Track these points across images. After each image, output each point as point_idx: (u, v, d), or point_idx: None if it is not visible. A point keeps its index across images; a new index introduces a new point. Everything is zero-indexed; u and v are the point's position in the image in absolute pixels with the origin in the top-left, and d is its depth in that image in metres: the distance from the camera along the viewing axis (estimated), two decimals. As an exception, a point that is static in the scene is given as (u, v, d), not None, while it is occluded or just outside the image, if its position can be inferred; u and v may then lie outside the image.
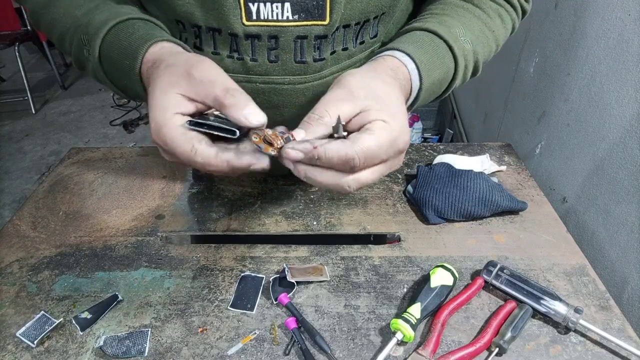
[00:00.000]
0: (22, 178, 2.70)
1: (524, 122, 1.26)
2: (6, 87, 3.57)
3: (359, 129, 0.43)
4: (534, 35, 1.18)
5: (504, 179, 0.82)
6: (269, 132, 0.42)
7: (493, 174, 0.82)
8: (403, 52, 0.53)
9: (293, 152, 0.41)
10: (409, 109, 0.55)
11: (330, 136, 0.43)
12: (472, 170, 0.77)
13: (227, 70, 0.58)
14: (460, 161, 0.81)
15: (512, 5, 0.66)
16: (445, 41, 0.56)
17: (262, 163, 0.43)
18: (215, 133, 0.41)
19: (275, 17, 0.53)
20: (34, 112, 3.35)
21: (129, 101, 3.30)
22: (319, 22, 0.54)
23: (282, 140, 0.42)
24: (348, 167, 0.41)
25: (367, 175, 0.43)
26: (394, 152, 0.44)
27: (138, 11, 0.57)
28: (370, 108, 0.44)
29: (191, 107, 0.44)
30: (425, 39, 0.56)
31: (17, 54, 3.16)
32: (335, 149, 0.41)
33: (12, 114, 3.33)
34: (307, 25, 0.54)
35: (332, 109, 0.43)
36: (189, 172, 0.85)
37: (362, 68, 0.50)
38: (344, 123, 0.43)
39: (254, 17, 0.53)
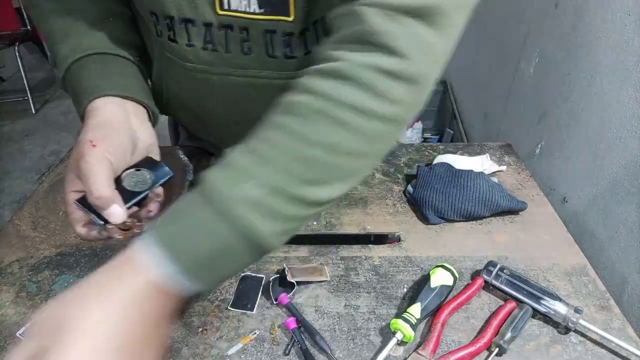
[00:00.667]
0: (22, 178, 2.70)
1: (524, 122, 1.26)
2: (6, 87, 3.57)
3: None
4: (534, 35, 1.18)
5: (504, 179, 0.82)
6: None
7: (493, 174, 0.82)
8: (154, 236, 0.39)
9: None
10: (199, 292, 0.40)
11: None
12: (472, 170, 0.77)
13: (204, 63, 0.59)
14: (460, 161, 0.81)
15: (366, 84, 0.40)
16: (216, 205, 0.39)
17: (115, 237, 0.50)
18: (92, 216, 0.48)
19: (243, 9, 0.54)
20: (34, 112, 3.34)
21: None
22: (284, 18, 0.54)
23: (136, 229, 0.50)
24: None
25: None
26: None
27: (105, 37, 0.58)
28: (47, 346, 0.34)
29: (78, 185, 0.49)
30: (189, 208, 0.40)
31: (17, 54, 3.16)
32: None
33: (12, 114, 3.33)
34: (273, 19, 0.54)
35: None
36: (191, 169, 0.85)
37: (72, 289, 0.38)
38: None
39: (226, 6, 0.54)
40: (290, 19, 0.54)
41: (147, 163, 0.53)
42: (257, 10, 0.54)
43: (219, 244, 0.39)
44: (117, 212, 0.48)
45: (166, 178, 0.53)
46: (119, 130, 0.52)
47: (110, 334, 0.35)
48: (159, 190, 0.53)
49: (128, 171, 0.51)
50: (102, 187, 0.47)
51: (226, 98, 0.63)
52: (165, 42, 0.59)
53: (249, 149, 0.42)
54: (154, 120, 0.59)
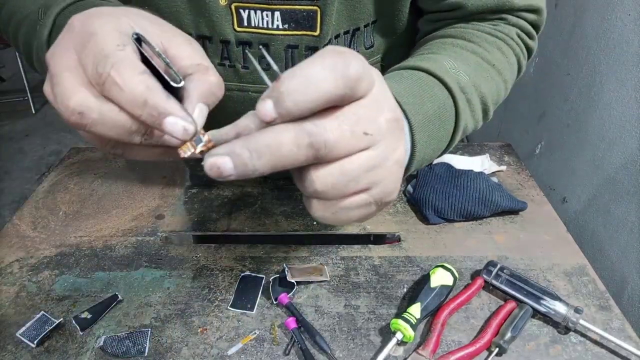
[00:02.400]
0: (22, 178, 2.70)
1: (524, 122, 1.26)
2: (6, 87, 3.57)
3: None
4: (534, 35, 1.18)
5: (504, 179, 0.82)
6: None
7: (493, 174, 0.82)
8: None
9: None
10: (409, 164, 0.42)
11: None
12: (472, 170, 0.77)
13: None
14: (460, 161, 0.81)
15: (514, 41, 0.56)
16: (431, 73, 0.46)
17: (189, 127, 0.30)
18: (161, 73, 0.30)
19: (265, 25, 0.53)
20: (34, 112, 3.34)
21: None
22: (310, 33, 0.54)
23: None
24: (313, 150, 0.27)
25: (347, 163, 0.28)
26: (347, 82, 0.26)
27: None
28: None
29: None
30: (404, 74, 0.46)
31: (17, 54, 3.16)
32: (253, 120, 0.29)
33: (12, 114, 3.33)
34: (297, 35, 0.54)
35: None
36: (189, 173, 0.85)
37: None
38: None
39: (245, 23, 0.53)
40: (316, 33, 0.54)
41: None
42: (281, 26, 0.53)
43: (439, 107, 0.45)
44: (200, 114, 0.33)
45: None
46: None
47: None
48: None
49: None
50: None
51: (239, 113, 0.61)
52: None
53: (442, 54, 0.51)
54: None
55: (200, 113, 0.32)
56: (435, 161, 0.83)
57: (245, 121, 0.30)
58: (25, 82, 3.23)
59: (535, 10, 0.57)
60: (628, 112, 0.78)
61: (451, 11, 0.55)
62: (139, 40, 0.30)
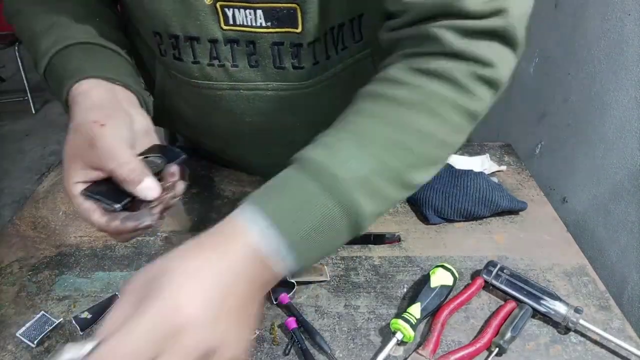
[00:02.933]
0: (22, 178, 2.70)
1: (524, 122, 1.26)
2: (6, 87, 3.57)
3: None
4: (534, 35, 1.18)
5: (504, 179, 0.82)
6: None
7: (493, 174, 0.82)
8: (255, 206, 0.39)
9: None
10: (298, 267, 0.40)
11: None
12: (472, 170, 0.77)
13: (210, 79, 0.58)
14: (460, 161, 0.81)
15: (457, 83, 0.44)
16: (319, 177, 0.40)
17: (146, 222, 0.44)
18: (104, 206, 0.44)
19: (249, 23, 0.53)
20: (34, 112, 3.34)
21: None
22: (292, 30, 0.54)
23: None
24: None
25: None
26: (164, 344, 0.31)
27: (90, 29, 0.56)
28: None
29: (93, 175, 0.45)
30: (292, 182, 0.41)
31: (17, 54, 3.16)
32: None
33: (12, 114, 3.33)
34: (280, 32, 0.54)
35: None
36: (189, 172, 0.85)
37: (171, 254, 0.37)
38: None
39: (231, 21, 0.53)
40: (298, 30, 0.54)
41: (154, 149, 0.49)
42: (264, 24, 0.53)
43: (324, 218, 0.39)
44: (152, 185, 0.43)
45: (180, 158, 0.48)
46: (118, 111, 0.48)
47: (215, 281, 0.35)
48: (174, 169, 0.47)
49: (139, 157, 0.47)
50: (132, 160, 0.43)
51: (232, 112, 0.62)
52: (170, 61, 0.58)
53: (347, 132, 0.43)
54: (147, 111, 0.55)
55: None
56: (435, 161, 0.82)
57: None
58: (25, 82, 3.23)
59: (495, 12, 0.43)
60: (628, 112, 0.78)
61: (400, 15, 0.47)
62: (85, 193, 0.45)
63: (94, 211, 0.44)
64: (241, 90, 0.59)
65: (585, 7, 0.92)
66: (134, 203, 0.44)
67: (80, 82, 0.49)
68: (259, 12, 0.52)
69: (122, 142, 0.45)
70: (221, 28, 0.54)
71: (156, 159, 0.47)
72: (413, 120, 0.44)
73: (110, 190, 0.44)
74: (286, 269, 0.39)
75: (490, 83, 0.45)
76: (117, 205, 0.43)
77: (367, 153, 0.42)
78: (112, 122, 0.45)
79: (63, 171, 0.46)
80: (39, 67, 0.54)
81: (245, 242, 0.37)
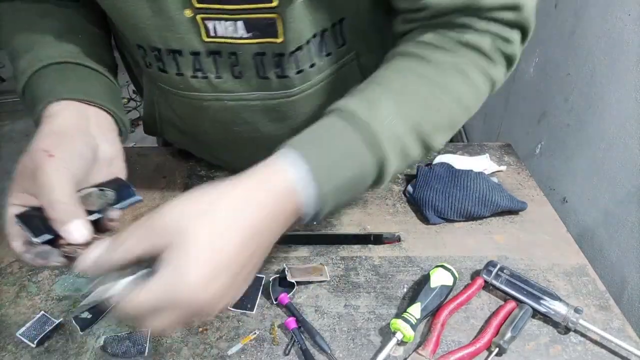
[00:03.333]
0: (22, 178, 2.70)
1: (524, 122, 1.26)
2: (6, 87, 3.56)
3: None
4: (534, 35, 1.18)
5: (504, 179, 0.82)
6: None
7: (493, 174, 0.82)
8: (297, 150, 0.42)
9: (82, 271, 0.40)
10: (316, 216, 0.43)
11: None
12: (472, 170, 0.77)
13: (194, 90, 0.58)
14: (460, 161, 0.81)
15: (483, 53, 0.50)
16: (361, 129, 0.43)
17: (54, 262, 0.43)
18: (32, 239, 0.43)
19: (230, 35, 0.53)
20: (34, 112, 3.34)
21: (128, 101, 3.29)
22: (274, 40, 0.53)
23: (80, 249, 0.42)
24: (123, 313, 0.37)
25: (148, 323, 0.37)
26: (167, 306, 0.36)
27: (68, 46, 0.55)
28: (168, 249, 0.36)
29: (31, 201, 0.44)
30: (332, 131, 0.44)
31: (17, 54, 3.16)
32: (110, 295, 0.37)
33: (12, 114, 3.33)
34: (262, 42, 0.54)
35: (129, 243, 0.37)
36: (188, 172, 0.85)
37: (206, 190, 0.39)
38: (140, 262, 0.38)
39: (212, 33, 0.53)
40: (279, 40, 0.53)
41: (113, 184, 0.47)
42: (245, 35, 0.53)
43: (359, 172, 0.44)
44: (79, 229, 0.41)
45: (131, 200, 0.46)
46: (75, 139, 0.46)
47: (242, 219, 0.37)
48: (116, 214, 0.45)
49: (90, 189, 0.45)
50: (65, 199, 0.42)
51: (219, 121, 0.62)
52: (155, 73, 0.58)
53: (387, 89, 0.47)
54: (124, 130, 0.54)
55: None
56: (435, 161, 0.83)
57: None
58: (25, 82, 3.23)
59: (512, 7, 0.48)
60: (628, 112, 0.78)
61: (418, 11, 0.50)
62: (21, 218, 0.44)
63: (15, 237, 0.44)
64: (226, 101, 0.59)
65: (585, 7, 0.92)
66: (56, 240, 0.43)
67: (52, 104, 0.48)
68: (239, 23, 0.52)
69: (64, 178, 0.43)
70: (202, 41, 0.53)
71: (110, 192, 0.46)
72: (448, 82, 0.49)
73: (40, 221, 0.43)
74: (308, 216, 0.42)
75: (509, 58, 0.52)
76: (36, 240, 0.42)
77: (405, 112, 0.46)
78: (62, 154, 0.44)
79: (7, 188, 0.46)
80: (18, 88, 0.53)
81: (284, 182, 0.40)
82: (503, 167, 0.83)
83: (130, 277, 0.38)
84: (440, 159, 0.83)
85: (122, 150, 0.51)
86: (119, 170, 0.50)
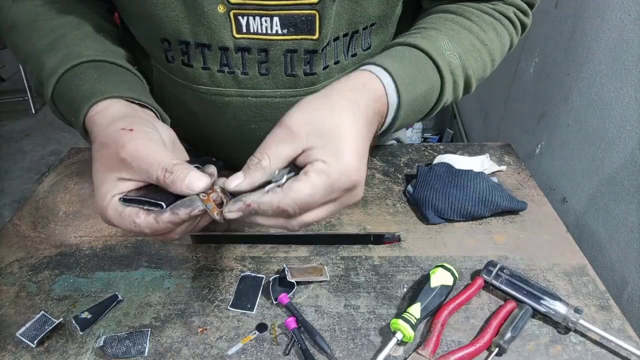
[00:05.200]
0: (22, 178, 2.70)
1: (524, 122, 1.26)
2: (6, 87, 3.57)
3: (304, 166, 0.42)
4: (534, 35, 1.18)
5: (504, 179, 0.82)
6: (214, 195, 0.42)
7: (493, 174, 0.82)
8: (379, 66, 0.48)
9: (231, 214, 0.41)
10: (388, 128, 0.51)
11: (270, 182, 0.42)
12: (472, 170, 0.77)
13: (218, 85, 0.59)
14: (460, 161, 0.81)
15: (510, 20, 0.62)
16: (427, 55, 0.52)
17: (198, 208, 0.42)
18: (145, 208, 0.41)
19: (264, 31, 0.53)
20: (34, 112, 3.34)
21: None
22: (309, 37, 0.54)
23: (225, 197, 0.43)
24: (285, 216, 0.41)
25: (312, 216, 0.42)
26: (336, 194, 0.41)
27: (97, 46, 0.55)
28: (312, 147, 0.41)
29: (130, 185, 0.43)
30: (406, 53, 0.52)
31: (17, 54, 3.16)
32: (268, 202, 0.40)
33: (12, 114, 3.33)
34: (296, 39, 0.54)
35: (271, 151, 0.41)
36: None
37: (315, 95, 0.45)
38: (285, 167, 0.42)
39: (244, 30, 0.53)
40: (315, 37, 0.54)
41: (207, 162, 0.48)
42: (280, 31, 0.53)
43: (428, 87, 0.52)
44: (199, 176, 0.41)
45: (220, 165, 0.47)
46: (141, 119, 0.46)
47: (362, 128, 0.44)
48: (212, 169, 0.46)
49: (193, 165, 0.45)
50: (170, 156, 0.41)
51: (238, 119, 0.62)
52: (177, 67, 0.58)
53: (439, 32, 0.56)
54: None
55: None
56: (435, 161, 0.83)
57: (257, 181, 0.41)
58: (25, 82, 3.23)
59: None
60: (628, 112, 0.78)
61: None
62: (124, 199, 0.43)
63: (138, 214, 0.42)
64: (249, 98, 0.59)
65: (585, 7, 0.92)
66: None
67: (97, 104, 0.48)
68: (276, 19, 0.52)
69: (155, 142, 0.43)
70: (233, 36, 0.53)
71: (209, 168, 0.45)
72: (486, 37, 0.58)
73: (149, 195, 0.42)
74: (386, 125, 0.50)
75: (524, 26, 0.65)
76: (163, 203, 0.40)
77: (457, 51, 0.55)
78: (140, 127, 0.44)
79: (95, 193, 0.44)
80: (46, 88, 0.51)
81: (379, 87, 0.47)
82: (503, 167, 0.83)
83: (272, 185, 0.41)
84: (440, 159, 0.83)
85: (176, 137, 0.51)
86: (182, 152, 0.50)
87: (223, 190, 0.43)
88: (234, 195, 0.42)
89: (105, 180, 0.43)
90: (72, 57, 0.52)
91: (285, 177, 0.41)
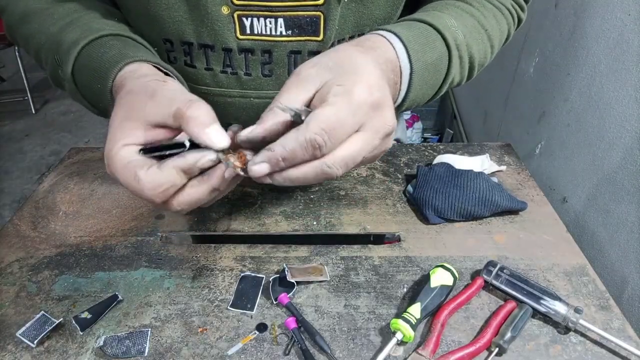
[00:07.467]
0: (22, 178, 2.70)
1: (524, 122, 1.26)
2: (6, 87, 3.57)
3: None
4: (534, 35, 1.18)
5: (504, 179, 0.82)
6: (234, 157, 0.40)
7: (493, 174, 0.82)
8: (390, 31, 0.48)
9: (257, 166, 0.38)
10: (402, 102, 0.50)
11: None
12: (472, 170, 0.77)
13: (221, 86, 0.59)
14: (460, 161, 0.81)
15: (508, 10, 0.64)
16: (434, 27, 0.52)
17: (208, 156, 0.38)
18: (168, 152, 0.39)
19: (268, 32, 0.53)
20: (34, 112, 3.34)
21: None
22: (313, 38, 0.54)
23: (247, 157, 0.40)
24: (317, 151, 0.36)
25: (348, 149, 0.38)
26: (362, 113, 0.38)
27: (114, 24, 0.54)
28: (326, 81, 0.38)
29: (142, 137, 0.40)
30: (412, 25, 0.52)
31: (17, 54, 3.16)
32: (293, 138, 0.36)
33: (12, 114, 3.33)
34: (300, 40, 0.54)
35: (282, 97, 0.39)
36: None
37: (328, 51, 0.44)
38: (302, 108, 0.39)
39: (248, 31, 0.53)
40: (319, 38, 0.53)
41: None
42: (284, 33, 0.53)
43: (437, 57, 0.51)
44: (222, 132, 0.38)
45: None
46: (175, 81, 0.46)
47: (380, 74, 0.42)
48: (236, 128, 0.43)
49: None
50: (198, 99, 0.39)
51: (240, 119, 0.62)
52: (180, 68, 0.58)
53: (444, 13, 0.56)
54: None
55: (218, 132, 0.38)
56: (435, 161, 0.83)
57: (271, 123, 0.38)
58: (25, 82, 3.23)
59: None
60: (628, 112, 0.78)
61: None
62: (145, 149, 0.41)
63: (143, 166, 0.39)
64: (252, 99, 0.59)
65: (585, 7, 0.92)
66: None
67: (127, 67, 0.46)
68: (280, 20, 0.52)
69: (185, 89, 0.42)
70: (236, 38, 0.53)
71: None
72: (487, 23, 0.59)
73: (166, 147, 0.39)
74: (402, 93, 0.50)
75: (520, 20, 0.67)
76: (188, 143, 0.38)
77: (461, 29, 0.55)
78: (173, 82, 0.43)
79: (107, 139, 0.41)
80: (66, 64, 0.49)
81: (392, 52, 0.46)
82: (503, 167, 0.83)
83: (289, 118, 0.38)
84: (440, 159, 0.83)
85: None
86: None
87: (244, 155, 0.40)
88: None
89: (121, 128, 0.40)
90: (93, 31, 0.50)
91: (304, 116, 0.38)
